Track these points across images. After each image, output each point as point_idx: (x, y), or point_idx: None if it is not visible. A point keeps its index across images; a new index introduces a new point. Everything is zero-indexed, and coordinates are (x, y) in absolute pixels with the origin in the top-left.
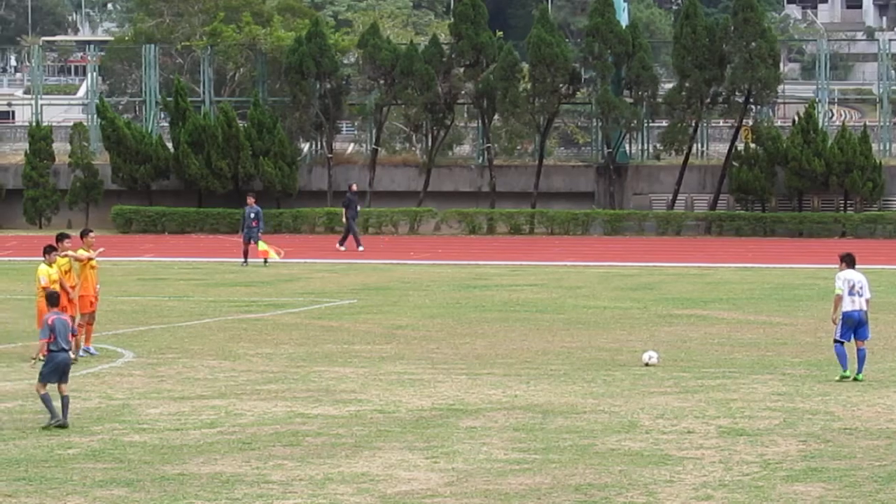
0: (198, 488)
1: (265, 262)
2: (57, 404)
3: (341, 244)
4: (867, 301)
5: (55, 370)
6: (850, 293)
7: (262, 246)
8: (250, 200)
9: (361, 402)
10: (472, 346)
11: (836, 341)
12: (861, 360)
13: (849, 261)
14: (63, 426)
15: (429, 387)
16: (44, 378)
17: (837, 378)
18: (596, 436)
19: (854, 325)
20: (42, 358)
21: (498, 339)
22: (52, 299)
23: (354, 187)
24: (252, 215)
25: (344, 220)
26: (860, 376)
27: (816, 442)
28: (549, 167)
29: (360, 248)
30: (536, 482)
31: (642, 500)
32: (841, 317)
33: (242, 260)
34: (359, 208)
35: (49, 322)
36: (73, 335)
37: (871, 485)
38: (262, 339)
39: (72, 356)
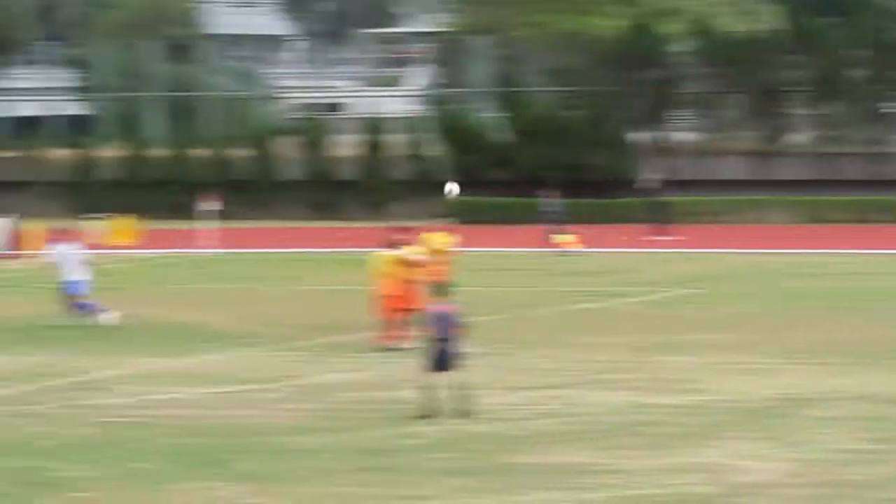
0: (541, 478)
1: (565, 252)
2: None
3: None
4: None
5: (434, 361)
6: None
7: (561, 238)
8: (549, 192)
9: (703, 392)
10: (813, 334)
11: None
12: None
13: None
14: (464, 415)
15: (771, 376)
16: (426, 368)
17: None
18: None
19: None
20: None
21: (838, 328)
22: (440, 290)
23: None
24: (551, 208)
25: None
26: None
27: None
28: (889, 154)
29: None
30: (882, 473)
31: None
32: None
33: (576, 250)
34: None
35: (432, 312)
36: (456, 327)
37: None
38: (599, 329)
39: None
